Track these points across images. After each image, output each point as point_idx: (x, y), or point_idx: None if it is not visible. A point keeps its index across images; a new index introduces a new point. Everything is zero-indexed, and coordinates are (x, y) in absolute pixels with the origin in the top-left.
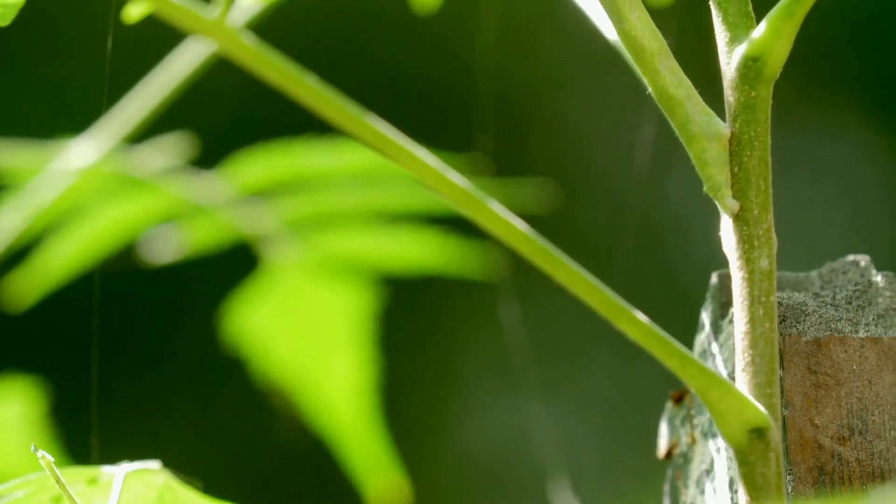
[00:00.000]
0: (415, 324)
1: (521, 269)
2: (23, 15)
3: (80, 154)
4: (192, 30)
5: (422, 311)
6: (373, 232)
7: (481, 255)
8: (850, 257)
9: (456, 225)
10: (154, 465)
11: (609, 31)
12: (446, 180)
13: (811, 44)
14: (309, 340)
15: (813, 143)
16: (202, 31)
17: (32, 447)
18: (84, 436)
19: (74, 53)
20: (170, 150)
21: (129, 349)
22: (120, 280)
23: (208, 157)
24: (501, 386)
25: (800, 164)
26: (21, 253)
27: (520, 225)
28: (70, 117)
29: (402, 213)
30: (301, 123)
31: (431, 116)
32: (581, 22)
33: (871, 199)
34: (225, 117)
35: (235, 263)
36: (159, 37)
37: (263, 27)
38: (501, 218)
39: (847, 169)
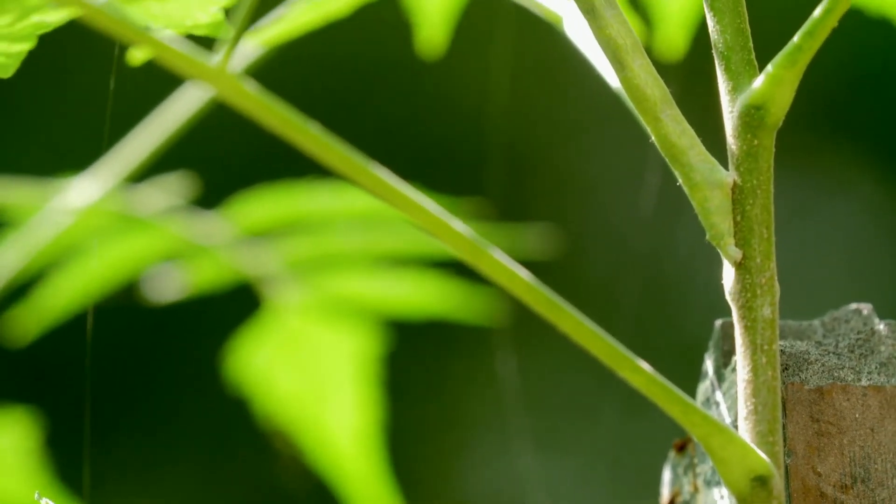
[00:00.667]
0: (415, 379)
1: (521, 320)
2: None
3: (82, 192)
4: (193, 76)
5: (422, 366)
6: (375, 275)
7: (483, 300)
8: (853, 306)
9: (457, 269)
10: None
11: (612, 79)
12: (449, 228)
13: (816, 96)
14: (311, 382)
15: (816, 193)
16: (203, 77)
17: (36, 495)
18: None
19: (76, 93)
20: (172, 189)
21: (129, 388)
22: (121, 318)
23: (211, 196)
24: (502, 440)
25: (803, 213)
26: (22, 289)
27: (523, 273)
28: (72, 156)
29: (404, 256)
30: (304, 164)
31: (439, 164)
32: (588, 69)
33: (874, 247)
34: (228, 156)
35: (238, 304)
36: (163, 76)
37: (269, 76)
38: (504, 266)
39: (849, 218)
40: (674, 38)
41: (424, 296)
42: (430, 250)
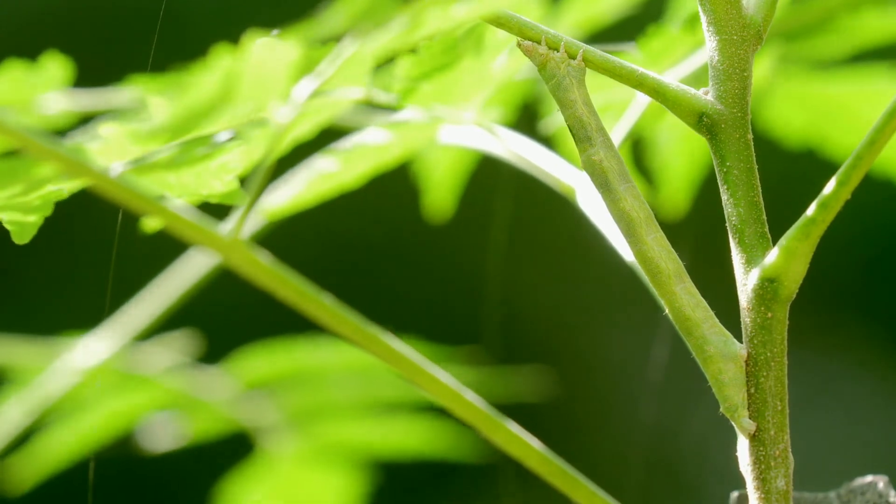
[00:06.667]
0: None
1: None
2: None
3: (87, 352)
4: (204, 245)
5: None
6: (368, 421)
7: (474, 440)
8: (869, 478)
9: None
10: None
11: (626, 252)
12: (463, 399)
13: (831, 277)
14: None
15: (832, 366)
16: (215, 247)
17: None
18: None
19: (84, 254)
20: (176, 346)
21: None
22: (119, 466)
23: (214, 351)
24: None
25: (818, 386)
26: (23, 437)
27: (536, 444)
28: (78, 316)
29: (396, 403)
30: (306, 319)
31: (440, 332)
32: (590, 235)
33: (890, 419)
34: (232, 312)
35: (231, 448)
36: (170, 239)
37: (271, 242)
38: (518, 437)
39: (864, 390)
40: (677, 198)
41: (416, 438)
42: (422, 396)
